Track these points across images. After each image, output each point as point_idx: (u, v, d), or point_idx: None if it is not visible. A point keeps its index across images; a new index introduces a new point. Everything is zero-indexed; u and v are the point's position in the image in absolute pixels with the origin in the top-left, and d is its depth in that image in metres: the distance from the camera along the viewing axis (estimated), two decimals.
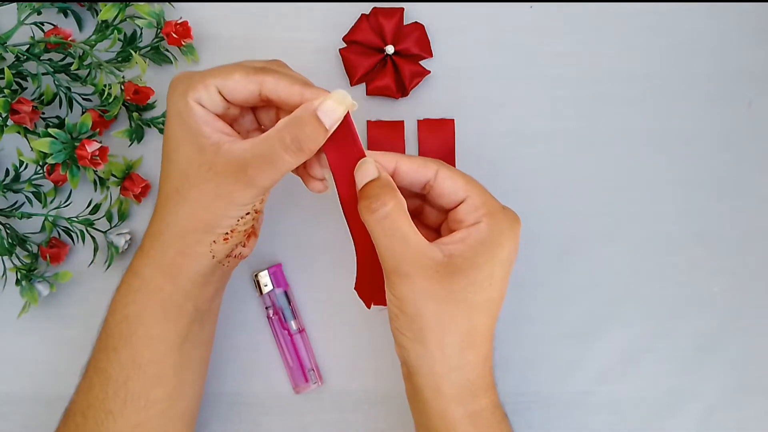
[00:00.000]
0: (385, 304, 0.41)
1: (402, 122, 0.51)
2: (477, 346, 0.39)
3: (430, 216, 0.44)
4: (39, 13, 0.50)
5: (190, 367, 0.43)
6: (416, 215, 0.44)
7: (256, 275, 0.49)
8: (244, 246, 0.43)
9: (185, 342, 0.41)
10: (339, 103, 0.38)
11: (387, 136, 0.51)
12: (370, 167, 0.39)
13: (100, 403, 0.40)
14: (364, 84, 0.52)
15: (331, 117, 0.38)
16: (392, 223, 0.38)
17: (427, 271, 0.38)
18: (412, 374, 0.40)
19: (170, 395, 0.41)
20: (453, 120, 0.52)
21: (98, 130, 0.49)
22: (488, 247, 0.38)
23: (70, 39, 0.49)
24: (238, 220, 0.40)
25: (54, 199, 0.50)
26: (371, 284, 0.43)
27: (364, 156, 0.40)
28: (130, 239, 0.50)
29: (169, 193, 0.40)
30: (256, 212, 0.41)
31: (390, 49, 0.51)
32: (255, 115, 0.43)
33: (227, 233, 0.40)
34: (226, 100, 0.39)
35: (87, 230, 0.49)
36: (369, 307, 0.44)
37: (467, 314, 0.38)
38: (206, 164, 0.38)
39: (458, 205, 0.40)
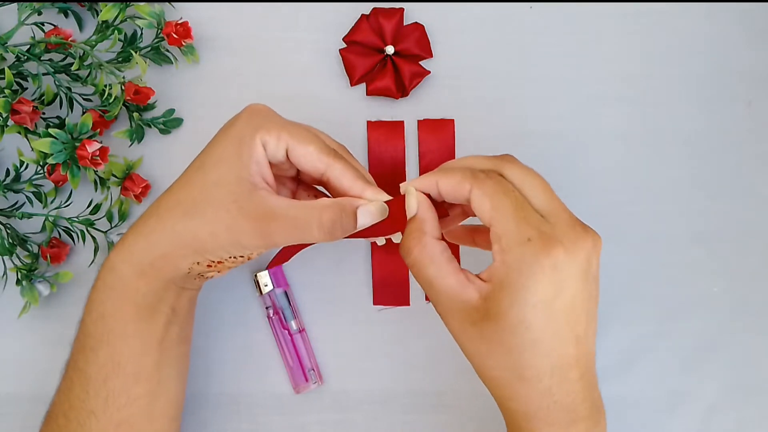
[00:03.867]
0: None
1: (402, 122, 0.51)
2: (528, 380, 0.36)
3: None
4: (39, 14, 0.50)
5: (170, 364, 0.42)
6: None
7: (256, 275, 0.49)
8: (219, 272, 0.43)
9: (163, 340, 0.41)
10: (378, 213, 0.40)
11: (387, 136, 0.51)
12: (411, 201, 0.39)
13: (82, 404, 0.40)
14: (364, 84, 0.52)
15: (365, 220, 0.39)
16: (419, 271, 0.38)
17: (458, 315, 0.37)
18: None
19: (151, 392, 0.41)
20: (453, 120, 0.52)
21: (99, 130, 0.49)
22: (508, 291, 0.35)
23: (70, 39, 0.49)
24: (231, 258, 0.40)
25: (54, 199, 0.50)
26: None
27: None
28: None
29: (184, 200, 0.39)
30: (248, 258, 0.41)
31: (390, 50, 0.51)
32: (297, 187, 0.44)
33: (214, 262, 0.40)
34: (288, 159, 0.40)
35: (87, 230, 0.49)
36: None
37: (507, 355, 0.36)
38: (234, 195, 0.38)
39: (488, 227, 0.37)
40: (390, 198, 0.40)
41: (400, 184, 0.41)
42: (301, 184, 0.45)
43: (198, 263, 0.40)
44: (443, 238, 0.39)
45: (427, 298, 0.50)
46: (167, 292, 0.41)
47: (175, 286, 0.41)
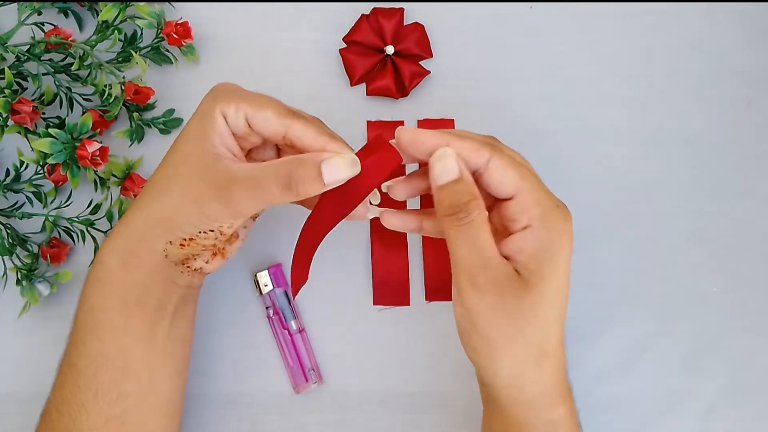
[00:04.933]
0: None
1: (402, 122, 0.51)
2: (551, 356, 0.38)
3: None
4: (39, 14, 0.50)
5: (164, 363, 0.42)
6: None
7: (256, 275, 0.49)
8: (207, 262, 0.43)
9: (154, 336, 0.41)
10: (346, 165, 0.37)
11: (387, 136, 0.51)
12: (451, 163, 0.37)
13: (73, 398, 0.40)
14: (364, 84, 0.52)
15: (332, 175, 0.37)
16: (476, 233, 0.37)
17: (502, 285, 0.37)
18: (486, 385, 0.40)
19: (143, 389, 0.41)
20: (453, 120, 0.52)
21: (99, 130, 0.49)
22: (550, 255, 0.37)
23: (70, 39, 0.49)
24: (200, 233, 0.40)
25: (54, 199, 0.50)
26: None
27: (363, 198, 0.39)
28: None
29: (156, 182, 0.40)
30: (221, 233, 0.40)
31: (390, 50, 0.51)
32: (278, 153, 0.44)
33: (185, 240, 0.40)
34: (250, 127, 0.39)
35: (87, 230, 0.49)
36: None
37: (540, 328, 0.37)
38: (198, 166, 0.38)
39: (509, 199, 0.38)
40: (355, 151, 0.38)
41: (398, 130, 0.39)
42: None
43: (170, 242, 0.39)
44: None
45: (429, 297, 0.50)
46: (154, 283, 0.40)
47: (162, 279, 0.41)
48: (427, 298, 0.50)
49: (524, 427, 0.39)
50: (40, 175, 0.49)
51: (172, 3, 0.52)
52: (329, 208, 0.40)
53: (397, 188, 0.42)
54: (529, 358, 0.37)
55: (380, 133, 0.41)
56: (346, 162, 0.37)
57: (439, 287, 0.50)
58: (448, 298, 0.50)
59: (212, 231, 0.40)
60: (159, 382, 0.42)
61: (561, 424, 0.39)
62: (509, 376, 0.38)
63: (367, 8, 0.52)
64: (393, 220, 0.43)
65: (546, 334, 0.37)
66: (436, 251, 0.50)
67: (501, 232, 0.39)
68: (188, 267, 0.42)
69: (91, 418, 0.39)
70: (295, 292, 0.42)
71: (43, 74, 0.48)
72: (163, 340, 0.41)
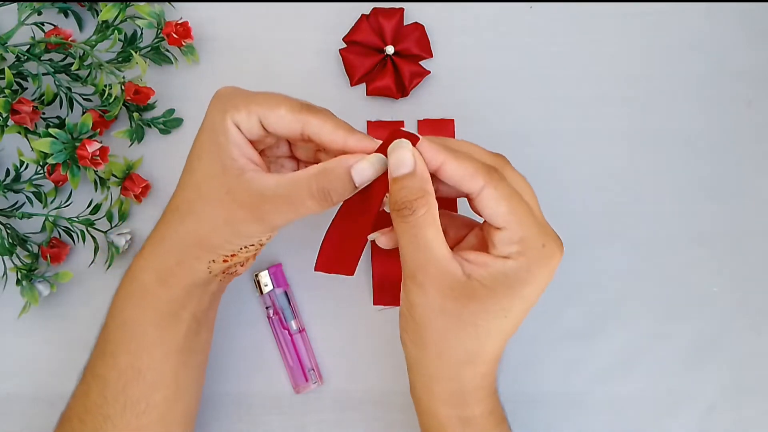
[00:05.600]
0: (389, 305, 0.41)
1: (402, 122, 0.51)
2: (477, 365, 0.38)
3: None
4: (39, 14, 0.50)
5: (188, 372, 0.43)
6: (448, 205, 0.43)
7: (256, 275, 0.49)
8: (242, 266, 0.43)
9: (183, 348, 0.41)
10: (373, 164, 0.37)
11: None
12: (406, 156, 0.36)
13: (98, 408, 0.40)
14: (364, 84, 0.52)
15: (362, 176, 0.37)
16: (419, 231, 0.36)
17: (442, 286, 0.36)
18: (409, 369, 0.40)
19: (169, 399, 0.41)
20: (453, 120, 0.52)
21: (99, 130, 0.49)
22: (510, 282, 0.36)
23: (70, 39, 0.49)
24: (241, 248, 0.40)
25: (54, 199, 0.50)
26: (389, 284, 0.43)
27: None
28: (130, 239, 0.50)
29: (180, 203, 0.39)
30: (260, 244, 0.41)
31: (390, 50, 0.51)
32: (290, 146, 0.43)
33: (228, 256, 0.40)
34: (265, 129, 0.39)
35: (87, 230, 0.49)
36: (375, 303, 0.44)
37: (474, 337, 0.37)
38: (225, 186, 0.38)
39: (495, 228, 0.37)
40: (379, 143, 0.38)
41: (396, 140, 0.37)
42: (301, 162, 0.44)
43: (213, 261, 0.40)
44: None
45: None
46: (189, 298, 0.41)
47: (198, 291, 0.41)
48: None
49: (438, 421, 0.39)
50: (40, 175, 0.49)
51: (172, 3, 0.52)
52: (356, 206, 0.40)
53: (383, 239, 0.41)
54: (453, 359, 0.38)
55: (397, 128, 0.40)
56: (375, 163, 0.37)
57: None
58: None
59: (252, 245, 0.40)
60: (184, 391, 0.42)
61: (475, 420, 0.39)
62: (429, 368, 0.38)
63: (367, 8, 0.52)
64: (385, 241, 0.41)
65: (480, 344, 0.37)
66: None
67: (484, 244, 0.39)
68: (230, 274, 0.42)
69: (117, 429, 0.40)
70: (327, 269, 0.41)
71: (43, 74, 0.48)
72: (190, 351, 0.42)
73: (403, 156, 0.36)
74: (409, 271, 0.37)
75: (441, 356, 0.38)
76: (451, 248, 0.38)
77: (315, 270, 0.41)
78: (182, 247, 0.39)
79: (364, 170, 0.37)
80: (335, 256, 0.41)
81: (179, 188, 0.40)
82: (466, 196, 0.38)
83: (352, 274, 0.41)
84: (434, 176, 0.37)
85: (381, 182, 0.38)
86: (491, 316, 0.37)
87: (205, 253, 0.39)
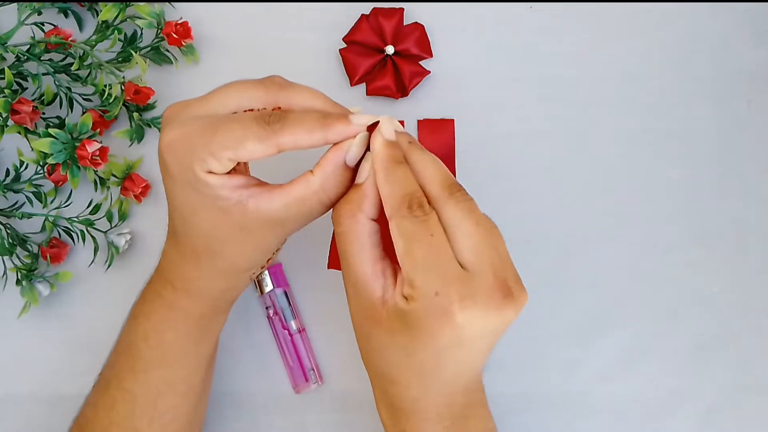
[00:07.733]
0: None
1: (402, 122, 0.51)
2: (398, 386, 0.37)
3: None
4: (39, 14, 0.50)
5: (210, 377, 0.45)
6: None
7: (257, 275, 0.49)
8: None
9: (212, 356, 0.44)
10: (356, 148, 0.37)
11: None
12: (365, 166, 0.37)
13: (126, 422, 0.40)
14: (364, 84, 0.52)
15: (353, 158, 0.37)
16: (342, 246, 0.36)
17: (358, 304, 0.37)
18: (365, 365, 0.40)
19: (196, 406, 0.43)
20: (453, 120, 0.52)
21: (99, 130, 0.49)
22: (407, 322, 0.34)
23: (70, 39, 0.49)
24: (274, 253, 0.41)
25: (54, 199, 0.50)
26: None
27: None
28: (130, 239, 0.50)
29: (199, 250, 0.38)
30: (280, 246, 0.42)
31: (390, 50, 0.51)
32: None
33: (264, 264, 0.41)
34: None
35: (87, 230, 0.49)
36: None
37: (385, 362, 0.37)
38: (236, 225, 0.37)
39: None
40: (362, 120, 0.37)
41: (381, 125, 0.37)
42: None
43: (254, 273, 0.41)
44: (378, 220, 0.37)
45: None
46: (224, 314, 0.43)
47: (230, 305, 0.43)
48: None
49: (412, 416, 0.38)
50: (40, 175, 0.49)
51: (172, 3, 0.52)
52: None
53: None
54: (378, 373, 0.38)
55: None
56: (352, 150, 0.37)
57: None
58: None
59: (278, 249, 0.41)
60: (205, 397, 0.44)
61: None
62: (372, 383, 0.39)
63: (367, 8, 0.52)
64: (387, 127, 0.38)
65: (389, 370, 0.37)
66: None
67: None
68: (255, 275, 0.43)
69: None
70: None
71: (43, 74, 0.48)
72: (214, 357, 0.44)
73: (364, 166, 0.37)
74: (344, 282, 0.38)
75: (369, 367, 0.39)
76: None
77: (327, 268, 0.43)
78: (225, 277, 0.40)
79: (352, 154, 0.37)
80: None
81: (185, 237, 0.38)
82: None
83: None
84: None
85: None
86: (391, 349, 0.36)
87: (245, 273, 0.41)
